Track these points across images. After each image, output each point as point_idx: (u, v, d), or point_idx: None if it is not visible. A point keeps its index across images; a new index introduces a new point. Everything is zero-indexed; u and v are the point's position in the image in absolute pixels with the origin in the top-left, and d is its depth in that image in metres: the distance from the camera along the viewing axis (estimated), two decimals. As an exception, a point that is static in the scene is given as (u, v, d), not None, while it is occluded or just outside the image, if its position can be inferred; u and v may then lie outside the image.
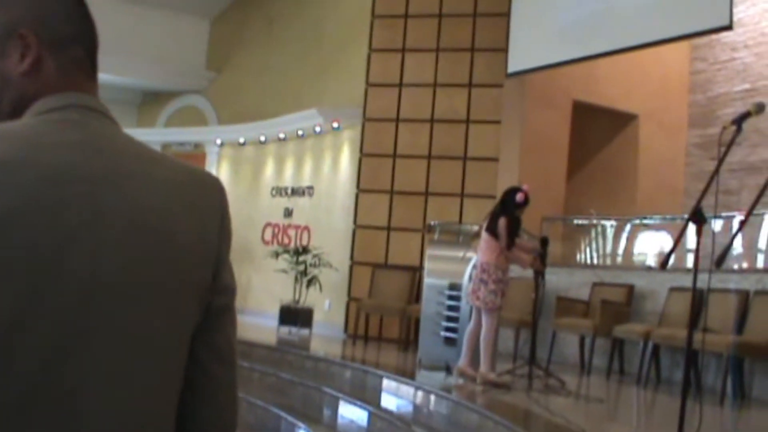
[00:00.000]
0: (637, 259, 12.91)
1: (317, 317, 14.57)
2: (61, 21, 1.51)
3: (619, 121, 15.26)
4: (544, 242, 9.70)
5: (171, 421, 1.46)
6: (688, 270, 11.12)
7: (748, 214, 4.37)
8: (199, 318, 1.48)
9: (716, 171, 4.89)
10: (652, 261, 12.70)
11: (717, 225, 10.91)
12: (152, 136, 18.98)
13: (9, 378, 1.27)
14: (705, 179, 14.31)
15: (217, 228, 1.53)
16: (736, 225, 10.75)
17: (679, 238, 5.02)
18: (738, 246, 11.20)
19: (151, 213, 1.41)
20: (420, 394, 8.97)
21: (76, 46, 1.52)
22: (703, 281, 10.22)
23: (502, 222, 9.20)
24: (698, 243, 4.90)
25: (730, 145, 5.00)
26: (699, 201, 4.91)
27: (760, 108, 5.16)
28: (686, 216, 5.25)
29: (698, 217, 4.84)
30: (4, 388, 1.27)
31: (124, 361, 1.36)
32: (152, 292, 1.40)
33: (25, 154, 1.33)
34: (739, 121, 5.06)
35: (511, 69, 13.40)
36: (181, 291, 1.44)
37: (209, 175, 1.58)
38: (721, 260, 4.09)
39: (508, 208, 9.24)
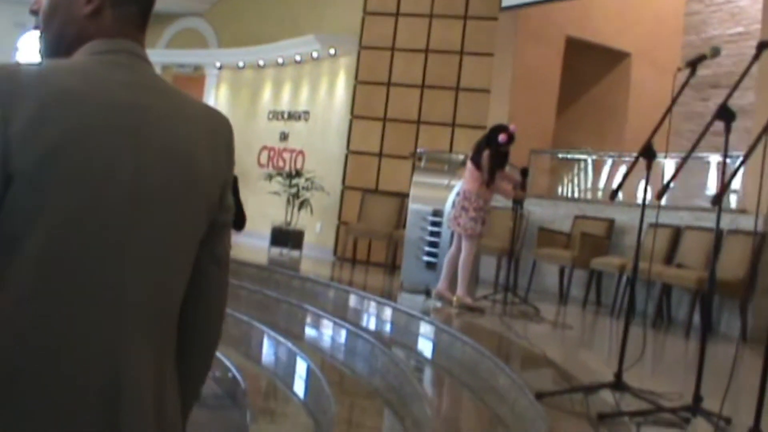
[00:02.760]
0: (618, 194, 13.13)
1: (308, 239, 14.89)
2: None
3: (611, 59, 15.40)
4: (524, 173, 9.98)
5: (178, 307, 1.82)
6: (670, 207, 11.44)
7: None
8: (206, 229, 1.83)
9: (669, 110, 5.16)
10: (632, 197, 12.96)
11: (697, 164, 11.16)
12: (153, 57, 18.57)
13: (71, 265, 1.64)
14: (695, 120, 14.39)
15: (225, 156, 1.87)
16: (714, 165, 11.02)
17: (629, 172, 5.30)
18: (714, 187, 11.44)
19: (180, 141, 1.77)
20: (398, 315, 9.31)
21: (132, 5, 1.84)
22: (682, 218, 10.56)
23: (485, 155, 9.48)
24: (648, 178, 5.19)
25: (684, 86, 5.27)
26: (650, 138, 5.20)
27: (715, 52, 5.42)
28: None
29: (648, 154, 5.13)
30: (67, 273, 1.64)
31: (159, 255, 1.73)
32: (178, 203, 1.76)
33: (87, 87, 1.69)
34: (694, 63, 5.34)
35: (505, 3, 13.56)
36: (198, 204, 1.79)
37: (220, 113, 1.93)
38: (662, 193, 4.34)
39: (492, 144, 9.52)
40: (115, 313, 1.66)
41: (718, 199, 4.11)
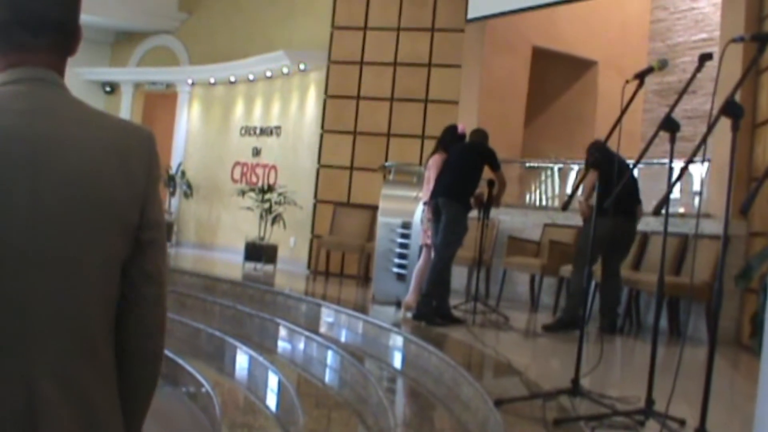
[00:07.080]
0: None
1: (283, 254, 14.97)
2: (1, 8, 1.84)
3: (578, 68, 15.56)
4: (490, 184, 10.01)
5: (107, 326, 1.84)
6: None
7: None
8: (128, 248, 1.86)
9: (618, 121, 5.29)
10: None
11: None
12: (125, 75, 19.18)
13: None
14: (661, 125, 14.56)
15: (144, 173, 1.88)
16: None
17: (578, 183, 5.42)
18: (676, 191, 11.57)
19: (83, 164, 1.78)
20: (368, 327, 9.39)
21: (17, 28, 1.83)
22: (647, 225, 10.70)
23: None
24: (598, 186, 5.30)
25: (633, 96, 5.40)
26: (590, 146, 5.32)
27: (663, 64, 5.57)
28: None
29: (596, 164, 5.26)
30: None
31: (64, 278, 1.75)
32: (84, 225, 1.78)
33: None
34: (642, 75, 5.48)
35: (471, 14, 13.68)
36: (109, 224, 1.81)
37: (139, 128, 1.93)
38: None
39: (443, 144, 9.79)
40: (21, 340, 1.70)
41: (658, 209, 4.22)
